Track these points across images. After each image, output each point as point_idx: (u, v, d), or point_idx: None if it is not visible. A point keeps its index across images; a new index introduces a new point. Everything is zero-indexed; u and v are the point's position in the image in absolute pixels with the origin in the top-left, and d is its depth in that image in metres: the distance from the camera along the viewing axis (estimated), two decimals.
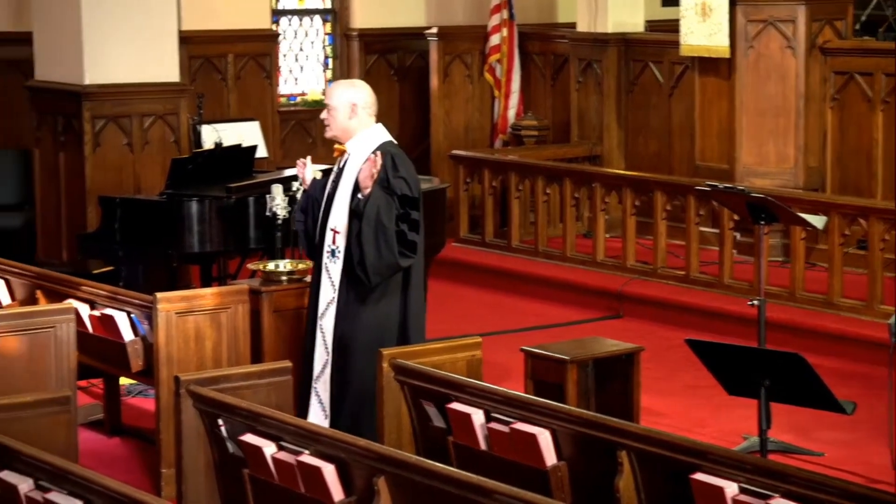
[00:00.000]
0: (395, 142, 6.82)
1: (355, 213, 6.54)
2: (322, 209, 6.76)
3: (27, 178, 11.74)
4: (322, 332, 6.72)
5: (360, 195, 6.54)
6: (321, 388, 6.73)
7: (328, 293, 6.71)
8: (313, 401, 6.72)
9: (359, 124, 6.69)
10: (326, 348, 6.71)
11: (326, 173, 6.97)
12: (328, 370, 6.70)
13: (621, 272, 10.87)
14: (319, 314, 6.73)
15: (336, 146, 6.79)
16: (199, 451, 5.82)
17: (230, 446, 5.70)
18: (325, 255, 6.71)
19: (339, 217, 6.68)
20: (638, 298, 10.48)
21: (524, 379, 7.44)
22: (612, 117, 12.67)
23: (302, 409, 6.72)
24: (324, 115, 6.77)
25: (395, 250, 6.52)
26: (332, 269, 6.69)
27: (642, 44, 12.59)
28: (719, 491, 4.92)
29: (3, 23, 12.10)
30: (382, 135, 6.75)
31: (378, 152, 6.53)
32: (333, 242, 6.68)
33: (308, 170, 6.91)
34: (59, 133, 10.80)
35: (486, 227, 11.97)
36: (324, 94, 6.99)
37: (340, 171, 6.75)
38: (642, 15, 12.88)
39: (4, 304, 7.70)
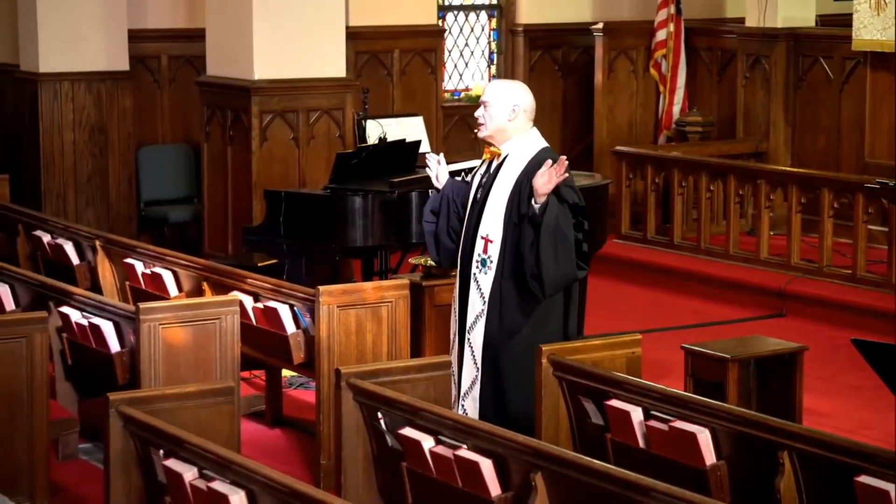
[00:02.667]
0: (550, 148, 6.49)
1: (531, 222, 6.14)
2: (469, 214, 6.43)
3: (196, 172, 11.98)
4: (471, 347, 6.41)
5: (534, 202, 6.12)
6: (469, 405, 6.43)
7: (476, 306, 6.38)
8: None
9: (517, 128, 6.32)
10: (476, 364, 6.41)
11: (457, 172, 6.73)
12: (477, 387, 6.40)
13: (785, 270, 10.71)
14: (468, 327, 6.41)
15: (489, 148, 6.42)
16: (358, 444, 5.86)
17: (389, 439, 5.74)
18: (475, 264, 6.36)
19: (491, 224, 6.33)
20: (801, 297, 10.32)
21: (684, 377, 7.37)
22: (780, 113, 12.48)
23: None
24: (479, 112, 6.37)
25: (573, 261, 6.18)
26: (482, 280, 6.35)
27: (813, 38, 12.38)
28: (885, 494, 4.82)
29: (178, 20, 12.36)
30: (540, 140, 6.42)
31: (549, 160, 6.12)
32: (485, 251, 6.33)
33: (442, 168, 6.55)
34: (228, 128, 10.99)
35: (647, 223, 11.89)
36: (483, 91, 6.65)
37: (493, 175, 6.38)
38: (813, 9, 12.70)
39: (172, 295, 7.84)
